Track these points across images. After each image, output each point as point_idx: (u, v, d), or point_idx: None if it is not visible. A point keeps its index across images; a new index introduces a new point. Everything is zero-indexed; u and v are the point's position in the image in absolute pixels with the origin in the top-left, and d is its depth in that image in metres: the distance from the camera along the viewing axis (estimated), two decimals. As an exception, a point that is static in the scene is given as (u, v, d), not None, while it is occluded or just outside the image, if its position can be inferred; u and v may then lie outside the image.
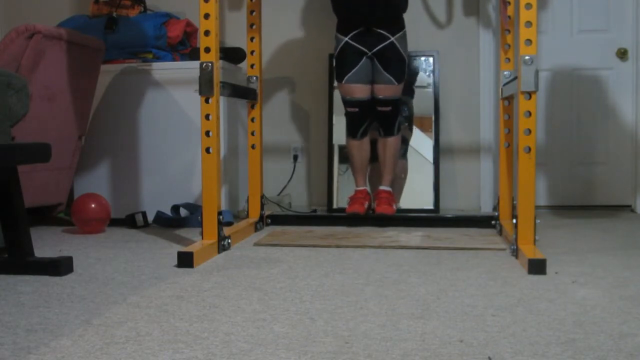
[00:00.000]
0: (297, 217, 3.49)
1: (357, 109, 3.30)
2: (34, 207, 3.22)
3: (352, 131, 3.36)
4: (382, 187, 3.40)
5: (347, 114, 3.35)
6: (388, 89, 3.26)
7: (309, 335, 1.53)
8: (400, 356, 1.38)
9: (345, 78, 3.27)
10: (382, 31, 3.21)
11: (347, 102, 3.32)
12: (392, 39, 3.21)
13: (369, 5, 3.17)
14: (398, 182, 3.71)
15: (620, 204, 3.91)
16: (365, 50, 3.23)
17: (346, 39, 3.25)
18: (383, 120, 3.33)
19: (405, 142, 3.78)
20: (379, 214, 3.27)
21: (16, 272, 2.22)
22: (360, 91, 3.27)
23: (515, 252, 2.46)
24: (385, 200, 3.32)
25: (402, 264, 2.37)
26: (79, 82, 3.25)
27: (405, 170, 3.79)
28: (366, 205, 3.35)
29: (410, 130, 3.81)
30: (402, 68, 3.27)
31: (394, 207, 3.34)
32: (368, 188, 3.45)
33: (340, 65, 3.30)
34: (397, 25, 3.24)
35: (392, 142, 3.36)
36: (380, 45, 3.21)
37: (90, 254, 2.63)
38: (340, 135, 3.80)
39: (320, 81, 4.00)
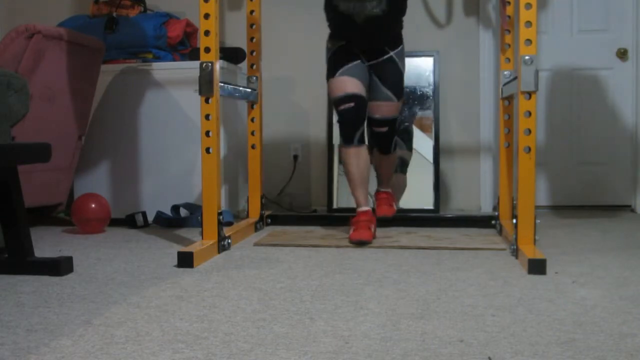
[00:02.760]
0: (297, 217, 3.49)
1: (352, 104, 2.84)
2: (34, 207, 3.22)
3: (347, 136, 2.88)
4: (381, 189, 3.25)
5: (340, 116, 2.89)
6: (386, 107, 2.96)
7: (309, 335, 1.53)
8: (400, 356, 1.38)
9: (338, 72, 2.89)
10: (380, 47, 2.94)
11: (339, 100, 2.87)
12: (391, 53, 2.94)
13: (366, 35, 2.87)
14: (396, 193, 3.67)
15: (620, 204, 3.91)
16: (363, 58, 2.94)
17: (341, 42, 2.94)
18: (378, 140, 3.04)
19: (405, 163, 3.76)
20: (380, 217, 3.11)
21: (16, 272, 2.22)
22: (355, 85, 2.87)
23: (515, 252, 2.46)
24: (385, 201, 3.19)
25: (402, 264, 2.37)
26: (79, 82, 3.25)
27: (404, 185, 3.77)
28: (373, 228, 2.89)
29: (410, 150, 3.80)
30: (400, 83, 3.01)
31: (395, 206, 3.24)
32: (372, 203, 3.13)
33: (333, 63, 2.93)
34: (396, 42, 2.97)
35: (390, 157, 3.12)
36: (379, 59, 2.94)
37: (90, 254, 2.63)
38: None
39: (320, 81, 4.00)
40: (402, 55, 3.00)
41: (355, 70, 2.90)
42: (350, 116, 2.85)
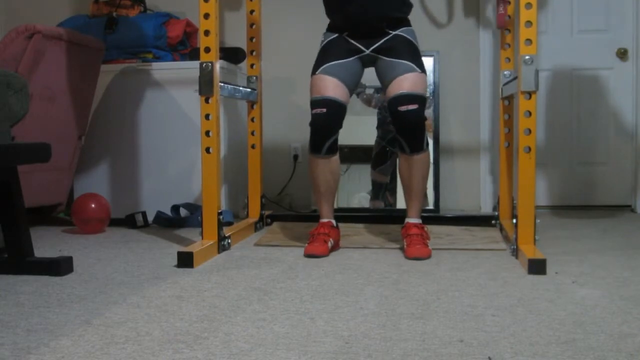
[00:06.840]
0: (297, 217, 3.49)
1: (324, 110, 2.57)
2: (34, 207, 3.22)
3: (315, 144, 2.59)
4: (411, 220, 2.66)
5: (311, 121, 2.61)
6: (410, 79, 2.54)
7: (309, 335, 1.53)
8: (400, 356, 1.38)
9: (321, 68, 2.63)
10: (380, 25, 2.63)
11: (313, 102, 2.61)
12: (397, 31, 2.63)
13: (369, 17, 2.60)
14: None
15: (620, 204, 3.91)
16: (362, 47, 2.64)
17: (338, 34, 2.69)
18: (406, 128, 2.53)
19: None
20: (411, 258, 2.48)
21: (16, 272, 2.22)
22: (335, 89, 2.59)
23: (515, 252, 2.46)
24: (418, 239, 2.56)
25: (402, 264, 2.37)
26: (79, 82, 3.25)
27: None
28: (330, 243, 2.61)
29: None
30: (418, 55, 2.62)
31: (429, 246, 2.59)
32: (334, 221, 2.72)
33: (320, 57, 2.67)
34: (400, 23, 2.67)
35: (421, 160, 2.59)
36: (383, 39, 2.62)
37: (90, 254, 2.63)
38: (339, 135, 3.79)
39: (320, 81, 3.99)
40: (413, 33, 2.68)
41: (340, 69, 2.63)
42: (320, 123, 2.58)
